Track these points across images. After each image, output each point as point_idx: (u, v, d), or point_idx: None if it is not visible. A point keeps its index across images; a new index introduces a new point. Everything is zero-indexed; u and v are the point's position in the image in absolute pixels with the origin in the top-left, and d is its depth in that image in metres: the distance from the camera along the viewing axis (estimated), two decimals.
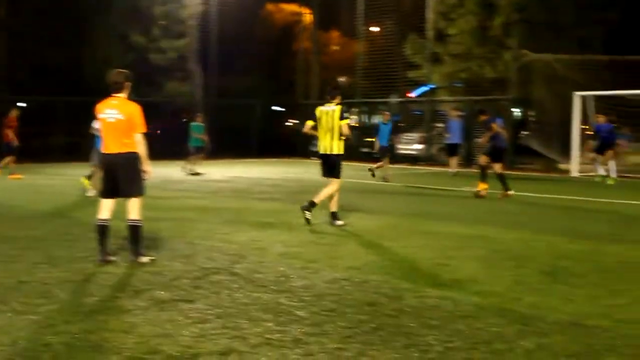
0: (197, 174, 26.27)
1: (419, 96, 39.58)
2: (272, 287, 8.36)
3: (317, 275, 9.02)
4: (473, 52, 34.85)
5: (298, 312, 7.25)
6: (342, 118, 13.46)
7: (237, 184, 22.63)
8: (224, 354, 5.96)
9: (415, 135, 37.44)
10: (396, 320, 7.02)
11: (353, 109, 40.83)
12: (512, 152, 33.73)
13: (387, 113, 26.65)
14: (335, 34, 49.57)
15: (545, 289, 8.36)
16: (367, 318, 7.07)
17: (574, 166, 29.38)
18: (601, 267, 9.71)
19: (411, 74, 37.75)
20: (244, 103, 41.55)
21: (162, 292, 8.02)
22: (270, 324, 6.83)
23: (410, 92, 40.76)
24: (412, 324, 6.87)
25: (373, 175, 25.02)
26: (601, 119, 24.48)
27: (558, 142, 32.14)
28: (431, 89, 37.33)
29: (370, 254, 10.52)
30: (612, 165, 24.45)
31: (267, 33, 46.63)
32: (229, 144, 37.30)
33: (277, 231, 12.71)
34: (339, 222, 13.50)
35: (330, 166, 13.64)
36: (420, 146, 36.91)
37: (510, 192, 18.78)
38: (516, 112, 35.61)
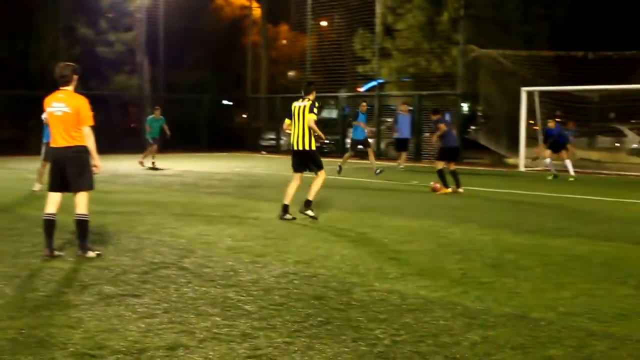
0: (156, 168, 26.06)
1: (368, 90, 39.71)
2: (220, 281, 8.34)
3: (265, 269, 9.02)
4: (421, 47, 35.08)
5: (246, 307, 7.25)
6: (310, 112, 13.63)
7: (186, 178, 22.52)
8: (171, 348, 5.94)
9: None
10: (344, 314, 7.05)
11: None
12: (461, 147, 34.04)
13: (364, 103, 26.78)
14: (284, 28, 49.50)
15: (491, 282, 8.44)
16: (315, 312, 7.08)
17: (521, 161, 29.69)
18: (546, 261, 9.83)
19: (360, 69, 37.86)
20: (192, 97, 41.33)
21: (109, 287, 7.96)
22: (218, 319, 6.81)
23: (360, 86, 40.88)
24: (360, 318, 6.90)
25: (340, 170, 24.82)
26: (551, 124, 24.74)
27: (505, 137, 32.49)
28: (380, 83, 37.46)
29: (319, 248, 10.54)
30: (568, 163, 24.74)
31: (216, 27, 46.38)
32: (178, 138, 37.07)
33: (225, 225, 12.67)
34: (311, 213, 13.54)
35: (304, 160, 13.72)
36: (370, 140, 36.97)
37: (461, 190, 18.88)
38: (464, 107, 35.90)
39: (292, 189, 13.82)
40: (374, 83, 38.26)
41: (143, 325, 6.55)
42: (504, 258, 9.98)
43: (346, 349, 5.98)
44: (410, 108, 30.92)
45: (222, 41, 45.64)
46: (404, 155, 28.48)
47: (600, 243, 11.37)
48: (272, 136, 41.16)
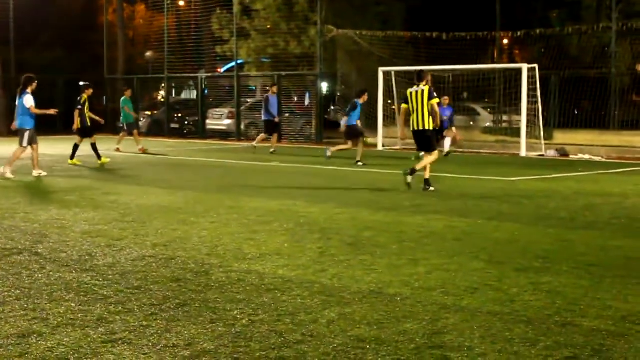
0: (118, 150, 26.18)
1: (227, 71, 39.57)
2: (75, 266, 8.18)
3: (122, 253, 8.91)
4: (279, 27, 35.14)
5: (102, 291, 7.14)
6: (431, 98, 15.23)
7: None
8: (23, 336, 5.80)
9: (224, 111, 37.37)
10: (202, 295, 7.03)
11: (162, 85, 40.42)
12: (321, 127, 34.36)
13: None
14: (141, 7, 48.61)
15: (348, 260, 8.57)
16: (172, 294, 7.04)
17: (380, 140, 30.12)
18: (402, 238, 10.04)
19: (219, 49, 37.64)
20: (46, 78, 40.15)
21: None
22: (72, 304, 6.69)
23: (220, 67, 40.67)
24: (218, 299, 6.90)
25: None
26: (445, 102, 25.01)
27: (364, 117, 32.91)
28: (238, 64, 37.34)
29: (177, 231, 10.46)
30: (447, 141, 25.38)
31: (71, 5, 45.15)
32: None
33: (81, 209, 12.42)
34: (431, 188, 15.29)
35: (422, 139, 15.73)
36: (229, 121, 36.88)
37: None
38: (324, 87, 36.19)
39: (427, 162, 15.53)
40: (232, 64, 38.12)
41: None
42: (361, 236, 10.14)
43: (204, 330, 5.97)
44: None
45: (78, 20, 44.48)
46: (275, 137, 27.94)
47: (454, 219, 11.68)
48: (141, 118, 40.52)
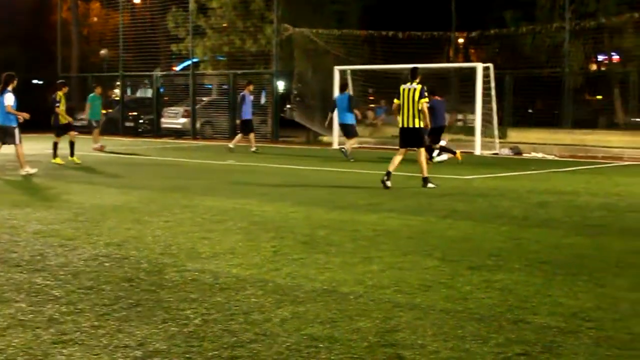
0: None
1: (183, 70, 39.41)
2: (26, 266, 8.09)
3: (74, 252, 8.82)
4: (235, 25, 35.06)
5: (53, 292, 7.07)
6: (422, 97, 15.55)
7: None
8: None
9: (179, 109, 37.22)
10: (155, 295, 6.99)
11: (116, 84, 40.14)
12: (277, 125, 34.35)
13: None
14: (95, 5, 48.21)
15: (303, 259, 8.56)
16: (125, 294, 6.99)
17: (336, 139, 30.08)
18: (357, 236, 10.06)
19: (174, 47, 37.45)
20: None
21: None
22: (23, 305, 6.61)
23: (175, 65, 40.49)
24: (171, 299, 6.86)
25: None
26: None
27: (319, 115, 32.90)
28: (194, 62, 37.22)
29: (131, 230, 10.39)
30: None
31: (24, 1, 44.64)
32: None
33: (33, 209, 12.27)
34: (431, 185, 15.63)
35: (409, 137, 15.71)
36: (184, 120, 36.73)
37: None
38: (280, 85, 36.18)
39: (397, 159, 15.68)
40: (188, 62, 37.99)
41: None
42: (316, 234, 10.14)
43: (156, 330, 5.94)
44: (226, 86, 30.71)
45: (32, 17, 44.01)
46: (252, 136, 27.49)
47: (408, 217, 11.73)
48: (84, 116, 40.10)
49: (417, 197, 14.30)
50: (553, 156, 25.48)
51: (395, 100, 15.86)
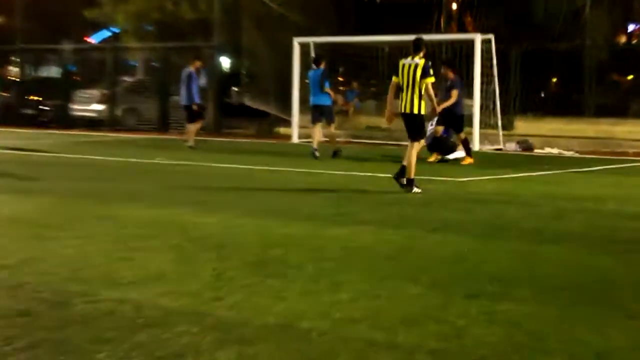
0: None
1: (100, 42, 39.30)
2: None
3: None
4: None
5: None
6: (427, 75, 15.49)
7: None
8: None
9: (94, 93, 37.06)
10: (59, 334, 6.89)
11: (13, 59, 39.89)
12: (219, 113, 34.31)
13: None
14: None
15: (252, 285, 8.50)
16: (19, 333, 6.87)
17: (295, 130, 29.99)
18: (322, 256, 10.01)
19: (88, 14, 37.24)
20: None
21: None
22: None
23: (89, 36, 40.35)
24: (80, 338, 6.76)
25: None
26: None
27: (276, 100, 32.84)
28: (114, 33, 37.13)
29: (28, 249, 10.27)
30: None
31: None
32: None
33: None
34: (417, 190, 15.68)
35: (408, 125, 15.89)
36: (100, 106, 36.56)
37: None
38: (224, 62, 36.15)
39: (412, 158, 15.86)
40: (107, 33, 37.88)
41: None
42: (269, 254, 10.09)
43: None
44: (155, 63, 30.61)
45: None
46: (195, 126, 27.03)
47: (387, 231, 11.74)
48: None
49: (399, 205, 14.30)
50: (572, 152, 25.65)
51: (394, 78, 15.79)
